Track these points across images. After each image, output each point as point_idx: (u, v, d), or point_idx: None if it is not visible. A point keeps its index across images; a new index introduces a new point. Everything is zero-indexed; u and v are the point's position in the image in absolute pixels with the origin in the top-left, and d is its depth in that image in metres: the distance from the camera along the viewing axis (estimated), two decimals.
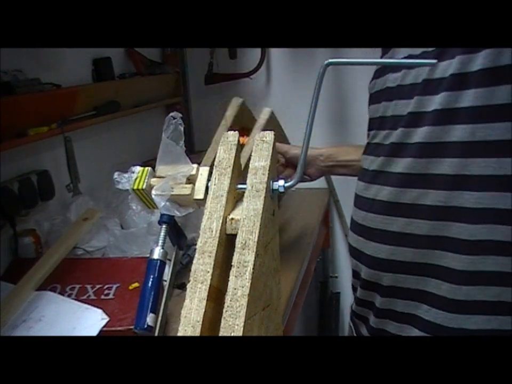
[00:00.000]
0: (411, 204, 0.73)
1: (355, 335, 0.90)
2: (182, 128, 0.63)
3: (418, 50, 0.74)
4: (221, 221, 0.52)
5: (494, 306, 0.68)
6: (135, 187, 0.64)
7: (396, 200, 0.74)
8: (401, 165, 0.74)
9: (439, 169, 0.70)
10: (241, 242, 0.49)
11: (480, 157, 0.68)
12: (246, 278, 0.47)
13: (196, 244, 0.51)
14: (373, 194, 0.79)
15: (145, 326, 0.76)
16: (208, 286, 0.48)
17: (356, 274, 0.86)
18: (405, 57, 0.76)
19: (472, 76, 0.67)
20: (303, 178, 1.03)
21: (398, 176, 0.74)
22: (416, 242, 0.73)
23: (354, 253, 0.84)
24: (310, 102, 0.56)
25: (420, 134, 0.72)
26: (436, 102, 0.70)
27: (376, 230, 0.78)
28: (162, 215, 0.80)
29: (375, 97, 0.83)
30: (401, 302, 0.77)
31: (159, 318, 0.81)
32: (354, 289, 0.88)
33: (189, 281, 0.48)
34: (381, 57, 0.84)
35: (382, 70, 0.82)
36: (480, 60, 0.66)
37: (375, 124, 0.82)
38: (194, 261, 0.50)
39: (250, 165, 0.56)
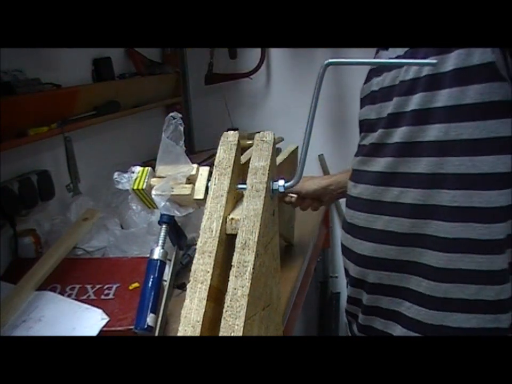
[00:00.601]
0: (392, 202, 0.75)
1: (349, 333, 0.92)
2: (182, 128, 0.63)
3: (394, 53, 0.75)
4: (221, 221, 0.52)
5: (472, 304, 0.69)
6: (135, 187, 0.64)
7: (379, 199, 0.76)
8: (381, 164, 0.76)
9: (417, 168, 0.72)
10: (241, 242, 0.49)
11: (454, 155, 0.69)
12: (246, 278, 0.47)
13: (195, 244, 0.51)
14: (358, 193, 0.81)
15: (145, 326, 0.76)
16: (208, 286, 0.48)
17: (346, 272, 0.88)
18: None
19: (445, 76, 0.69)
20: (321, 204, 1.06)
21: (378, 175, 0.76)
22: (398, 240, 0.74)
23: (345, 251, 0.86)
24: (310, 102, 0.56)
25: (399, 134, 0.74)
26: (413, 102, 0.72)
27: (362, 227, 0.79)
28: (162, 215, 0.80)
29: (364, 102, 0.85)
30: (385, 299, 0.78)
31: (159, 318, 0.80)
32: (347, 287, 0.90)
33: (189, 281, 0.48)
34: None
35: (369, 75, 0.84)
36: (452, 61, 0.68)
37: (363, 126, 0.84)
38: (194, 261, 0.50)
39: (250, 165, 0.56)
